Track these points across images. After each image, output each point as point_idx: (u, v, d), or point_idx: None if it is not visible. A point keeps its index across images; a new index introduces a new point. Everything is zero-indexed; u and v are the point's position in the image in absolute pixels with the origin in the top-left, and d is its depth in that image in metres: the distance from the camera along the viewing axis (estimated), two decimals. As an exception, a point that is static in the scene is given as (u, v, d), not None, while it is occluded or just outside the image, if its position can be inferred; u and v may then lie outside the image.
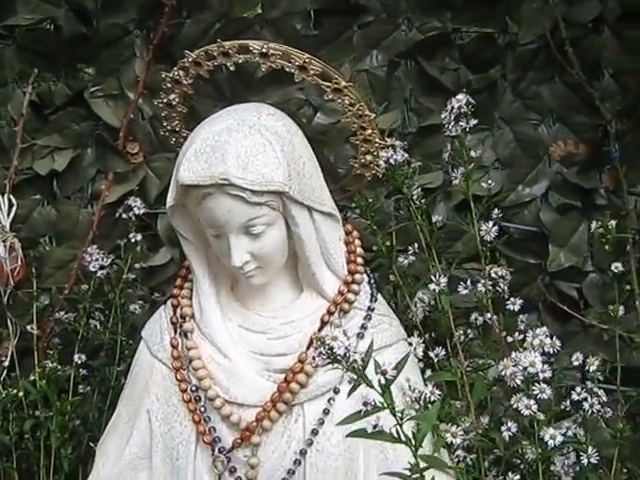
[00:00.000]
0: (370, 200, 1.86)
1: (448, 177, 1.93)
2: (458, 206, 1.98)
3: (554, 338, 1.51)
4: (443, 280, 1.63)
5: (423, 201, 1.76)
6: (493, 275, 1.71)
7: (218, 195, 1.44)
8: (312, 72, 1.55)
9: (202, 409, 1.54)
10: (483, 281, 1.67)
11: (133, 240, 2.00)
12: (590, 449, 1.54)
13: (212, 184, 1.43)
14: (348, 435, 1.30)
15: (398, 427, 1.26)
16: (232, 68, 1.60)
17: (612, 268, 1.72)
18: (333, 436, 1.51)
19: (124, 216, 2.02)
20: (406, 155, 1.71)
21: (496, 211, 1.71)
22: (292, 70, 1.55)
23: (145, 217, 2.06)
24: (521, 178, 1.99)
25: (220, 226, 1.46)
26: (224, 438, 1.53)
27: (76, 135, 2.10)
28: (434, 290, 1.64)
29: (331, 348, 1.20)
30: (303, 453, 1.50)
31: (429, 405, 1.52)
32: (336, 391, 1.52)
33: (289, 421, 1.52)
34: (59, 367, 1.90)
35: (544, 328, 1.54)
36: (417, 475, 1.25)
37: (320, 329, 1.53)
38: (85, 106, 2.10)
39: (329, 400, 1.52)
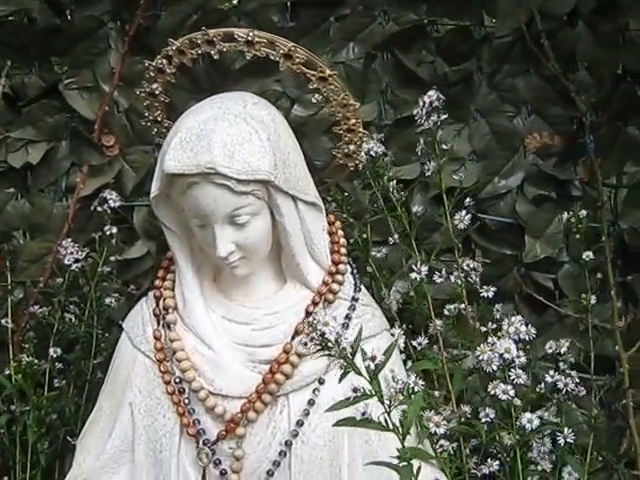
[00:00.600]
0: (346, 193, 1.87)
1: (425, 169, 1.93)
2: (436, 197, 1.97)
3: (529, 326, 1.53)
4: (424, 269, 1.64)
5: (402, 193, 1.79)
6: (465, 267, 1.73)
7: (204, 184, 1.43)
8: (297, 60, 1.55)
9: (186, 401, 1.54)
10: (456, 273, 1.71)
11: (108, 233, 1.98)
12: (566, 430, 1.57)
13: (198, 173, 1.42)
14: (336, 423, 1.29)
15: (386, 415, 1.26)
16: (216, 57, 1.59)
17: (583, 257, 1.75)
18: (318, 427, 1.51)
19: (99, 209, 1.99)
20: (382, 147, 1.73)
21: (467, 200, 1.73)
22: (277, 58, 1.55)
23: (121, 210, 2.04)
24: (497, 170, 2.00)
25: (205, 216, 1.46)
26: (209, 430, 1.52)
27: (50, 128, 2.08)
28: (415, 279, 1.65)
29: (322, 334, 1.20)
30: (288, 444, 1.50)
31: (412, 396, 1.53)
32: (321, 382, 1.52)
33: (274, 412, 1.52)
34: (35, 361, 1.88)
35: (519, 316, 1.55)
36: (405, 463, 1.25)
37: (304, 320, 1.53)
38: (59, 98, 2.08)
39: (314, 391, 1.52)
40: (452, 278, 1.68)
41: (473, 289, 1.76)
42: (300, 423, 1.50)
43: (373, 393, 1.25)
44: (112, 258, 2.00)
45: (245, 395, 1.52)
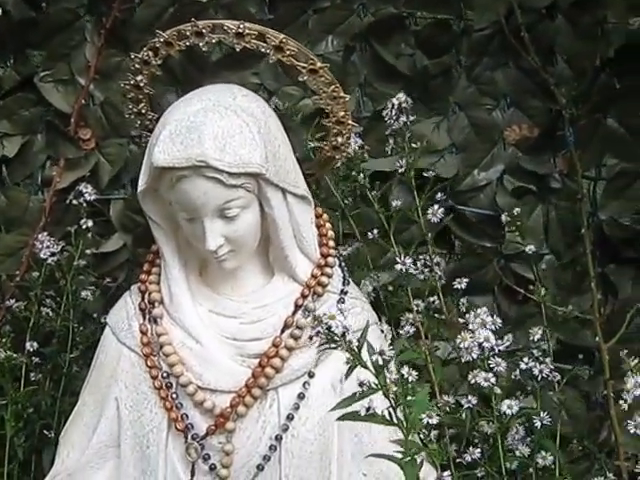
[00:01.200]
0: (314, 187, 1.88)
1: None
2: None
3: (495, 316, 1.53)
4: (409, 260, 1.65)
5: (379, 185, 1.82)
6: (427, 262, 1.74)
7: (194, 178, 1.42)
8: (288, 52, 1.53)
9: (174, 395, 1.52)
10: (421, 268, 1.74)
11: (84, 226, 1.97)
12: (542, 413, 1.60)
13: (188, 166, 1.41)
14: (340, 418, 1.28)
15: (391, 410, 1.25)
16: (205, 48, 1.57)
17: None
18: (308, 421, 1.50)
19: (75, 202, 1.99)
20: (360, 141, 1.78)
21: (439, 195, 1.76)
22: (267, 50, 1.54)
23: (97, 203, 2.04)
24: (476, 162, 2.01)
25: (195, 209, 1.45)
26: (197, 425, 1.51)
27: (26, 121, 2.07)
28: (401, 270, 1.65)
29: (329, 327, 1.19)
30: (278, 439, 1.49)
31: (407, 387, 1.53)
32: (311, 375, 1.51)
33: (264, 406, 1.51)
34: (13, 355, 1.86)
35: (484, 308, 1.55)
36: (409, 458, 1.25)
37: (294, 313, 1.53)
38: (35, 91, 2.06)
39: (304, 384, 1.51)
40: (413, 271, 1.69)
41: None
42: (290, 417, 1.50)
43: (379, 387, 1.24)
44: (88, 251, 2.00)
45: (234, 389, 1.50)
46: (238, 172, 1.42)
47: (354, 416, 1.27)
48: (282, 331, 1.52)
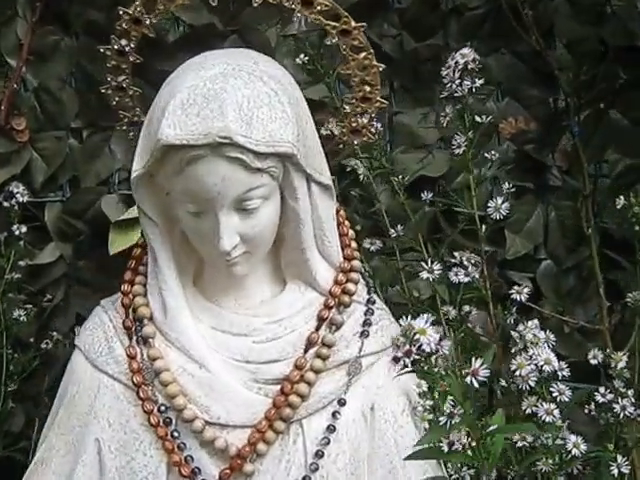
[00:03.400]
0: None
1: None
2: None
3: (547, 332, 1.33)
4: (437, 267, 1.41)
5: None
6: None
7: (211, 158, 1.15)
8: (318, 8, 1.29)
9: (175, 434, 1.25)
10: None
11: (17, 233, 1.73)
12: (620, 458, 1.35)
13: (206, 144, 1.14)
14: (411, 457, 1.04)
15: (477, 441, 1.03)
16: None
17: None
18: (339, 458, 1.26)
19: (5, 204, 1.74)
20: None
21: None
22: (293, 5, 1.29)
23: (30, 206, 1.80)
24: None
25: (208, 200, 1.17)
26: (206, 468, 1.24)
27: (-52, 109, 1.78)
28: (429, 279, 1.42)
29: (420, 346, 0.95)
30: (306, 481, 1.24)
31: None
32: (342, 402, 1.27)
33: (286, 443, 1.26)
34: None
35: (535, 321, 1.36)
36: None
37: (318, 327, 1.28)
38: (-41, 76, 1.79)
39: (334, 414, 1.26)
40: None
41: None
42: (319, 454, 1.25)
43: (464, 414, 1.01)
44: (21, 263, 1.74)
45: (250, 423, 1.24)
46: (266, 152, 1.16)
47: (436, 452, 1.03)
48: (305, 350, 1.27)
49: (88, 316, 1.38)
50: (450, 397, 1.02)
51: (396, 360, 0.98)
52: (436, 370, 1.02)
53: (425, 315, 0.99)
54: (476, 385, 1.03)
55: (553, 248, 1.82)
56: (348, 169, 1.65)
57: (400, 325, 1.00)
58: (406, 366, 0.98)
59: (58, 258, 1.82)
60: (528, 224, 1.80)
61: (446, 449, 1.03)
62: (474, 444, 1.04)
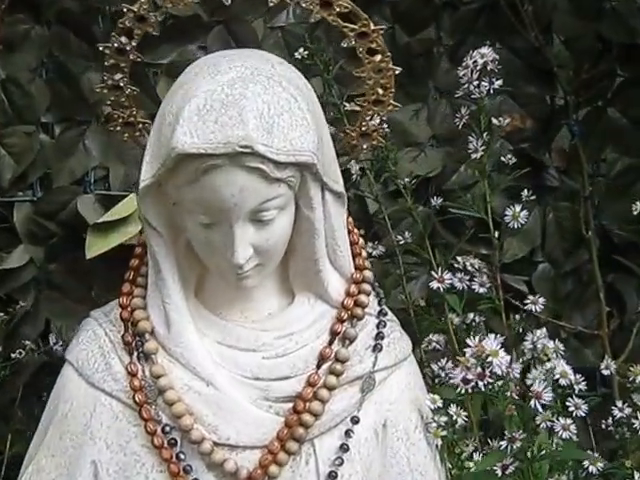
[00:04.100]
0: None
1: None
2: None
3: (556, 341, 1.28)
4: (447, 276, 1.35)
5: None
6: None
7: (229, 168, 1.07)
8: (337, 10, 1.22)
9: (181, 456, 1.17)
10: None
11: None
12: (637, 475, 1.30)
13: (225, 153, 1.06)
14: None
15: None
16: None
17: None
18: (352, 479, 1.19)
19: None
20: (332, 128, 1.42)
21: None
22: (310, 6, 1.21)
23: None
24: (462, 157, 1.74)
25: (223, 211, 1.09)
26: None
27: None
28: (438, 288, 1.35)
29: (492, 369, 0.90)
30: (318, 504, 1.18)
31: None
32: (355, 420, 1.20)
33: (298, 464, 1.18)
34: None
35: (543, 330, 1.31)
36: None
37: (331, 342, 1.21)
38: None
39: (347, 433, 1.19)
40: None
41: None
42: (333, 475, 1.18)
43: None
44: None
45: (261, 444, 1.17)
46: (287, 161, 1.08)
47: (486, 477, 0.98)
48: (318, 366, 1.19)
49: (63, 321, 1.30)
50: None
51: (466, 382, 0.92)
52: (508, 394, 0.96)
53: (493, 335, 0.94)
54: (540, 409, 0.98)
55: (551, 251, 1.79)
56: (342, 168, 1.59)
57: (468, 345, 0.94)
58: (479, 389, 0.93)
59: (28, 262, 1.76)
60: (525, 226, 1.74)
61: (499, 473, 0.97)
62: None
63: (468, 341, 0.94)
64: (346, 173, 1.60)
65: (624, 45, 1.71)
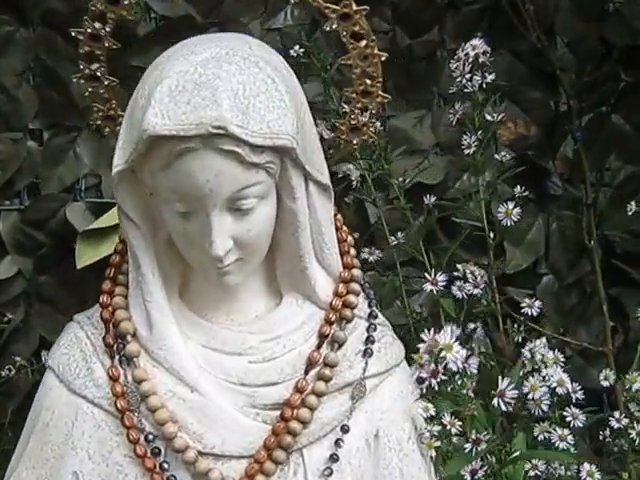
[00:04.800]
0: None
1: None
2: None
3: (556, 351, 1.26)
4: (441, 278, 1.31)
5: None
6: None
7: (202, 152, 1.03)
8: None
9: (165, 465, 1.12)
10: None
11: None
12: None
13: (198, 134, 1.02)
14: None
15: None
16: None
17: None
18: None
19: None
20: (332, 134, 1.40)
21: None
22: None
23: None
24: (465, 165, 1.71)
25: (199, 198, 1.05)
26: None
27: None
28: (431, 291, 1.32)
29: (446, 364, 0.85)
30: (306, 517, 1.13)
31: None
32: (345, 429, 1.15)
33: (286, 474, 1.13)
34: None
35: (543, 339, 1.28)
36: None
37: (319, 346, 1.16)
38: None
39: (337, 442, 1.14)
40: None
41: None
42: None
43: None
44: None
45: (247, 453, 1.12)
46: (264, 144, 1.04)
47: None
48: (306, 371, 1.15)
49: (56, 337, 1.25)
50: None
51: (420, 381, 0.87)
52: (464, 392, 0.91)
53: (449, 327, 0.89)
54: (503, 408, 0.93)
55: (554, 261, 1.75)
56: (340, 175, 1.55)
57: (423, 340, 0.89)
58: (432, 388, 0.88)
59: (16, 273, 1.74)
60: (529, 236, 1.72)
61: (469, 478, 0.92)
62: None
63: (423, 336, 0.89)
64: (346, 179, 1.58)
65: (627, 47, 1.68)
